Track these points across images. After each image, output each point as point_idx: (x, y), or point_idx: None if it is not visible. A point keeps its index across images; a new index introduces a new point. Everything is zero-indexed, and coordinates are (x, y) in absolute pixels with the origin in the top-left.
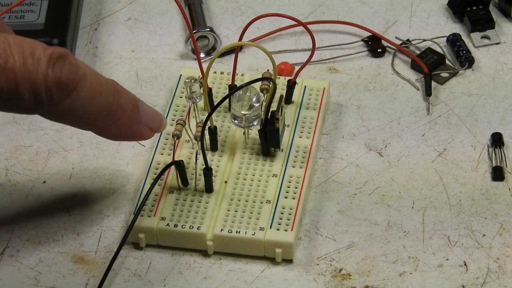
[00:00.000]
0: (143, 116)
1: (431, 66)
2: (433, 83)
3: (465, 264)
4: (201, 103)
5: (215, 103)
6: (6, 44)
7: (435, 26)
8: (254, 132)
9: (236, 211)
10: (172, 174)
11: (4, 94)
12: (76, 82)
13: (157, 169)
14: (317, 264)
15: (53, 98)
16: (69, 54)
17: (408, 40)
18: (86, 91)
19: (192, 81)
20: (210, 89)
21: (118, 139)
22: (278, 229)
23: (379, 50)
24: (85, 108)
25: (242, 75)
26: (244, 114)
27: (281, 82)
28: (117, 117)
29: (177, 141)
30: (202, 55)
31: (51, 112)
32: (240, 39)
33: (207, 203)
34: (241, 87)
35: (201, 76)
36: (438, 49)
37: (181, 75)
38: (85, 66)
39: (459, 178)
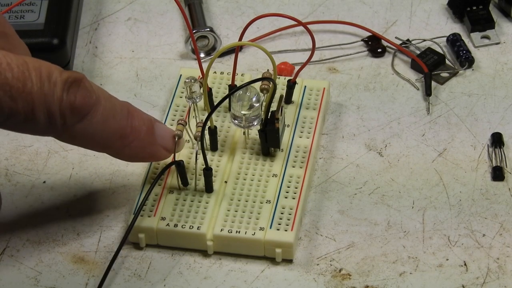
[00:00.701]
0: (159, 137)
1: (431, 66)
2: (433, 83)
3: (465, 264)
4: (201, 103)
5: (215, 103)
6: (25, 67)
7: (435, 26)
8: (254, 132)
9: (236, 211)
10: (172, 174)
11: (20, 117)
12: (90, 107)
13: (157, 169)
14: (317, 264)
15: (67, 122)
16: (84, 79)
17: (408, 40)
18: (100, 115)
19: (192, 81)
20: (210, 89)
21: (132, 160)
22: (278, 229)
23: (379, 50)
24: (98, 131)
25: (242, 75)
26: (244, 114)
27: (281, 82)
28: (131, 139)
29: (177, 141)
30: (202, 55)
31: (64, 136)
32: (240, 39)
33: (207, 203)
34: (241, 87)
35: (201, 76)
36: (438, 49)
37: (181, 75)
38: (99, 90)
39: (459, 178)
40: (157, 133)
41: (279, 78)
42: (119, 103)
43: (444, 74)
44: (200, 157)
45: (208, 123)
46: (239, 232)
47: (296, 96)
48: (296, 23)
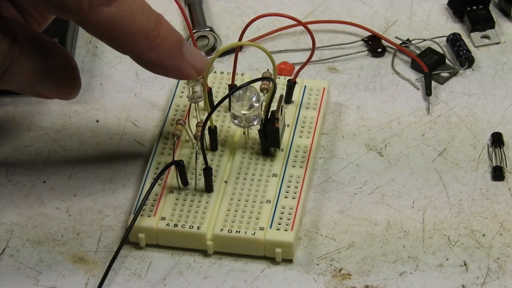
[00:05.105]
0: (187, 53)
1: (431, 66)
2: (433, 83)
3: (465, 264)
4: (201, 103)
5: (215, 103)
6: None
7: (435, 26)
8: (254, 132)
9: (236, 211)
10: (172, 174)
11: None
12: None
13: (157, 169)
14: (317, 264)
15: (93, 2)
16: None
17: (408, 39)
18: (127, 5)
19: (194, 81)
20: (210, 89)
21: (157, 69)
22: (278, 229)
23: (379, 50)
24: (123, 23)
25: (242, 75)
26: (244, 114)
27: (281, 82)
28: (157, 43)
29: (177, 141)
30: None
31: (91, 19)
32: (240, 39)
33: (207, 203)
34: (241, 87)
35: (201, 76)
36: (438, 49)
37: None
38: None
39: (459, 178)
40: (186, 48)
41: (279, 78)
42: (150, 7)
43: (444, 74)
44: (200, 157)
45: (208, 123)
46: (239, 232)
47: (296, 96)
48: (296, 23)
